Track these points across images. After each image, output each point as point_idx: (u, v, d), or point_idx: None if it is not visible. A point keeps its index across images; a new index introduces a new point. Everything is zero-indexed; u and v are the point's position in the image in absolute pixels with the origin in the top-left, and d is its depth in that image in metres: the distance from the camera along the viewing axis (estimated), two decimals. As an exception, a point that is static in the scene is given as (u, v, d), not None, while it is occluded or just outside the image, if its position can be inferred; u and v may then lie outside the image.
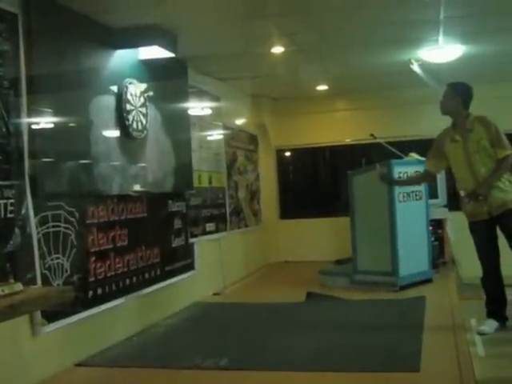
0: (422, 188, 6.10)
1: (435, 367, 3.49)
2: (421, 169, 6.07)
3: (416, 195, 6.05)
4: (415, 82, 6.70)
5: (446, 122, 4.67)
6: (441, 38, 5.29)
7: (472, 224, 4.56)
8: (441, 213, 6.89)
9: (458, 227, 6.09)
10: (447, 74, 5.95)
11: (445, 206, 6.97)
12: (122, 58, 4.59)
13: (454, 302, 5.23)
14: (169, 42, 4.69)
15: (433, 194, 6.58)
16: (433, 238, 6.54)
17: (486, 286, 4.60)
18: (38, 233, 3.53)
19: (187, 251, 5.71)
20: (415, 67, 6.21)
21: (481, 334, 4.54)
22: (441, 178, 6.67)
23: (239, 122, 7.69)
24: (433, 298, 5.35)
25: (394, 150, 6.33)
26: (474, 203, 4.39)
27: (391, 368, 3.50)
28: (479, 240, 4.51)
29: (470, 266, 5.23)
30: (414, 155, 6.27)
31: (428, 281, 6.04)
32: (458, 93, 4.50)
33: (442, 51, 5.67)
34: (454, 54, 5.77)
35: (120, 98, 4.54)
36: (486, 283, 4.58)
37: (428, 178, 5.09)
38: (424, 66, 6.19)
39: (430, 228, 6.36)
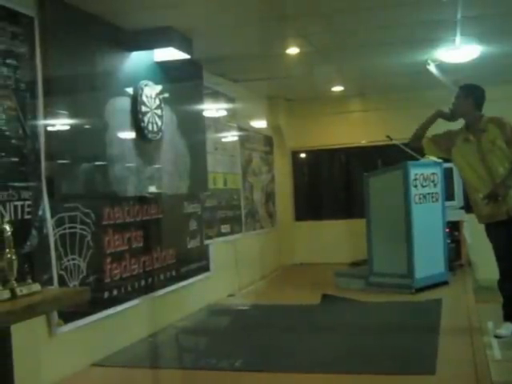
0: (438, 190, 6.07)
1: (451, 370, 3.46)
2: (437, 170, 6.08)
3: (432, 197, 6.01)
4: (432, 83, 6.66)
5: (461, 123, 4.64)
6: (458, 39, 5.25)
7: (489, 226, 4.52)
8: (457, 215, 6.84)
9: (474, 229, 6.03)
10: (464, 74, 5.90)
11: (461, 208, 6.91)
12: (138, 59, 4.61)
13: (470, 304, 5.19)
14: (184, 43, 4.70)
15: (449, 195, 6.54)
16: (449, 240, 6.49)
17: (503, 288, 4.55)
18: (54, 234, 3.56)
19: (202, 253, 5.72)
20: (432, 68, 6.17)
21: (497, 337, 4.51)
22: (457, 180, 6.62)
23: (254, 123, 7.69)
24: (449, 300, 5.31)
25: (410, 151, 6.29)
26: (493, 204, 4.35)
27: (407, 370, 3.48)
28: (497, 241, 4.47)
29: (487, 268, 5.19)
30: (431, 157, 6.22)
31: (444, 283, 5.99)
32: (469, 94, 4.49)
33: (459, 51, 5.63)
34: (471, 55, 5.73)
35: (135, 100, 4.56)
36: (503, 285, 4.53)
37: (416, 142, 4.93)
38: (441, 66, 6.15)
39: (447, 230, 6.32)
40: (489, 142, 4.41)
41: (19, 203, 3.26)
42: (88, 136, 4.01)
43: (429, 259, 5.85)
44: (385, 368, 3.54)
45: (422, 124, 4.79)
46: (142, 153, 4.64)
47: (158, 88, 4.89)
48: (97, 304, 3.90)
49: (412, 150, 5.92)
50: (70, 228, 3.73)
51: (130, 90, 4.52)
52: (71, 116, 3.81)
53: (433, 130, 4.81)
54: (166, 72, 4.98)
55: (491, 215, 4.45)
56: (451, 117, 4.65)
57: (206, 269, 5.77)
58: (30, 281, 2.53)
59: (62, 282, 3.59)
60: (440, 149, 4.80)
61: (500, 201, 4.32)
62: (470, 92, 4.52)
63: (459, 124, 4.65)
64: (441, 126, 4.78)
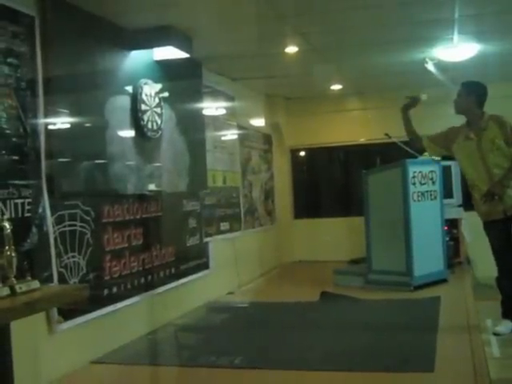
0: (437, 188, 6.09)
1: (450, 367, 3.47)
2: (435, 168, 6.10)
3: (431, 195, 6.03)
4: (430, 81, 6.68)
5: (460, 120, 4.65)
6: (455, 37, 5.27)
7: (487, 224, 4.53)
8: (456, 212, 6.86)
9: (473, 227, 6.05)
10: (462, 72, 5.91)
11: (460, 206, 6.93)
12: (137, 58, 4.63)
13: (469, 302, 5.20)
14: (183, 42, 4.72)
15: (448, 193, 6.55)
16: (448, 238, 6.51)
17: (501, 285, 4.57)
18: (54, 232, 3.57)
19: (202, 250, 5.73)
20: (430, 66, 6.18)
21: (496, 334, 4.53)
22: (456, 178, 6.65)
23: (253, 121, 7.70)
24: (448, 298, 5.33)
25: (408, 149, 6.31)
26: (490, 203, 4.36)
27: (405, 368, 3.49)
28: (494, 239, 4.49)
29: (486, 266, 5.20)
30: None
31: (443, 281, 6.01)
32: (472, 92, 4.48)
33: (456, 50, 5.65)
34: (469, 53, 5.75)
35: (135, 99, 4.57)
36: (502, 283, 4.55)
37: (417, 143, 4.94)
38: (439, 64, 6.16)
39: (445, 228, 6.33)
40: (489, 140, 4.41)
41: (19, 201, 3.28)
42: (88, 134, 4.03)
43: (427, 257, 5.87)
44: (383, 365, 3.55)
45: (404, 125, 4.82)
46: (142, 151, 4.65)
47: (158, 86, 4.90)
48: (96, 301, 3.91)
49: (414, 151, 5.94)
50: (69, 226, 3.74)
51: (129, 89, 4.54)
52: (71, 114, 3.82)
53: (438, 127, 4.81)
54: (165, 70, 4.99)
55: (488, 214, 4.46)
56: (413, 101, 4.71)
57: (206, 266, 5.79)
58: (29, 278, 2.55)
59: (62, 279, 3.60)
60: (440, 146, 4.80)
61: (496, 200, 4.34)
62: (472, 89, 4.51)
63: (461, 120, 4.66)
64: (445, 122, 4.77)
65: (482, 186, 4.46)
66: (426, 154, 6.16)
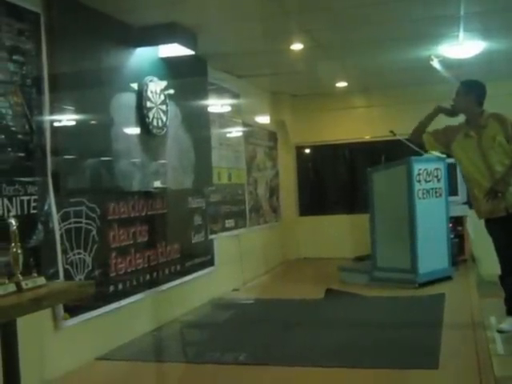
0: (442, 185, 6.08)
1: (454, 364, 3.48)
2: (440, 166, 6.09)
3: (436, 192, 6.03)
4: (435, 79, 6.67)
5: (463, 118, 4.65)
6: (461, 34, 5.26)
7: (489, 222, 4.52)
8: (461, 210, 6.85)
9: (477, 225, 6.04)
10: (467, 70, 5.91)
11: (465, 204, 6.92)
12: (143, 55, 4.64)
13: (473, 299, 5.21)
14: (188, 39, 4.72)
15: (453, 191, 6.55)
16: (452, 235, 6.50)
17: (504, 283, 4.55)
18: (60, 228, 3.59)
19: (207, 247, 5.75)
20: (435, 63, 6.18)
21: (500, 331, 4.52)
22: (461, 175, 6.62)
23: (259, 118, 7.71)
24: (452, 295, 5.33)
25: (413, 146, 6.30)
26: (492, 201, 4.35)
27: (410, 365, 3.50)
28: (497, 237, 4.47)
29: (490, 263, 5.19)
30: (434, 152, 6.23)
31: (447, 278, 6.01)
32: (471, 90, 4.47)
33: (462, 47, 5.64)
34: (475, 50, 5.74)
35: (140, 96, 4.59)
36: (505, 281, 4.53)
37: (418, 138, 4.88)
38: (444, 62, 6.15)
39: (450, 225, 6.33)
40: (489, 138, 4.40)
41: (25, 198, 3.30)
42: (93, 131, 4.04)
43: (432, 254, 5.87)
44: (388, 362, 3.57)
45: (423, 120, 4.77)
46: (147, 148, 4.67)
47: (163, 84, 4.91)
48: (102, 298, 3.93)
49: (415, 146, 5.94)
50: (75, 223, 3.76)
51: (135, 86, 4.55)
52: (77, 111, 3.84)
53: (434, 126, 4.81)
54: (170, 68, 5.00)
55: (490, 211, 4.45)
56: (452, 112, 4.64)
57: (211, 263, 5.80)
58: (35, 274, 2.56)
59: (68, 276, 3.62)
60: (440, 143, 4.79)
61: (499, 197, 4.33)
62: (471, 88, 4.50)
63: (460, 119, 4.65)
64: (442, 122, 4.78)
65: (483, 183, 4.44)
66: (431, 151, 6.16)
